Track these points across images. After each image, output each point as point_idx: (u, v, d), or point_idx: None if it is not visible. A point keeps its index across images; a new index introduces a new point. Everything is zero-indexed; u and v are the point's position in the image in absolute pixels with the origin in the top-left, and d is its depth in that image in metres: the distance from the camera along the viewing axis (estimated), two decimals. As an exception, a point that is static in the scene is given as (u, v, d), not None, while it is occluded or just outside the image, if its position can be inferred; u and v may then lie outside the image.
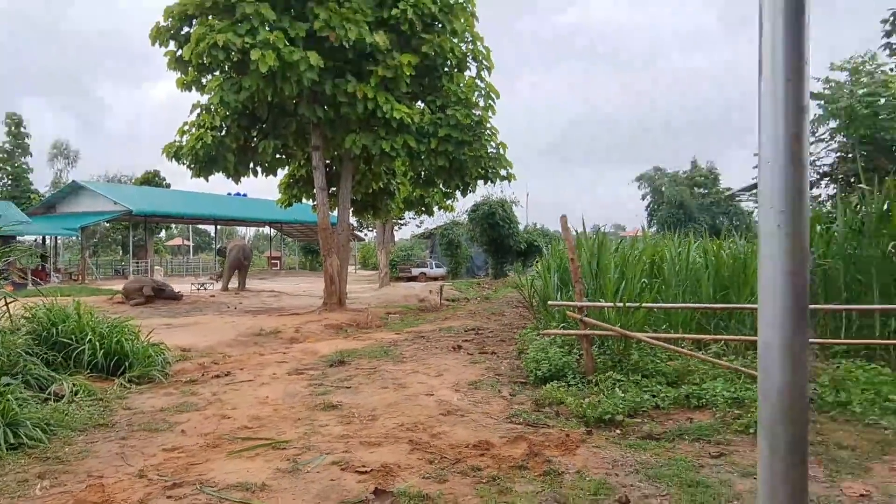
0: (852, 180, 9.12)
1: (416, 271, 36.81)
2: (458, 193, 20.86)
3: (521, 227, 33.38)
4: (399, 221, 39.68)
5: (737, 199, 39.51)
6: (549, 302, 7.88)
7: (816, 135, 10.19)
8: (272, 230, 51.24)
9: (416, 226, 46.22)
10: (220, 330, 12.53)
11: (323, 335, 12.47)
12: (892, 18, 10.49)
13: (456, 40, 15.45)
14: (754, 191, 36.84)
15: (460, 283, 28.22)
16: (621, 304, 7.17)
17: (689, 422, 5.58)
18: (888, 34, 10.56)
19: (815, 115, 9.46)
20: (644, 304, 7.06)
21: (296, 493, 3.98)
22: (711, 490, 3.99)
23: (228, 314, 16.02)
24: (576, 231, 7.96)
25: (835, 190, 10.23)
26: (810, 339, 6.61)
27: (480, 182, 18.04)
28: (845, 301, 7.27)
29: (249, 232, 65.18)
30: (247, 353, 10.18)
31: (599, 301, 7.76)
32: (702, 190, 46.79)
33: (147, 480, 4.23)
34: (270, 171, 17.38)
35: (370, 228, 41.83)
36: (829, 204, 9.92)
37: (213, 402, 6.46)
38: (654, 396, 6.15)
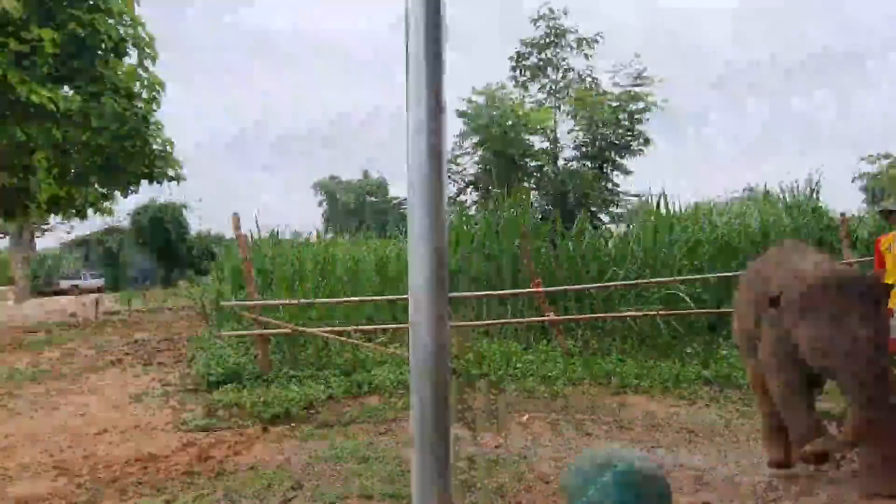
0: (490, 188, 10.84)
1: (65, 284, 31.67)
2: (117, 194, 18.65)
3: (193, 233, 31.26)
4: (42, 227, 33.68)
5: (403, 207, 43.39)
6: (223, 303, 7.60)
7: (462, 148, 11.83)
8: None
9: (66, 232, 39.83)
10: None
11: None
12: (516, 57, 12.75)
13: (112, 21, 13.78)
14: (418, 199, 40.93)
15: (123, 294, 25.20)
16: (295, 302, 7.29)
17: (360, 407, 5.96)
18: (513, 69, 12.81)
19: (461, 130, 11.03)
20: (316, 300, 7.30)
21: None
22: (381, 461, 4.34)
23: None
24: (250, 232, 7.84)
25: (477, 196, 11.98)
26: (460, 323, 7.64)
27: (145, 183, 16.39)
28: (486, 289, 8.58)
29: None
30: None
31: (273, 300, 7.78)
32: (373, 198, 49.91)
33: None
34: None
35: (1, 234, 34.61)
36: (472, 208, 11.57)
37: None
38: (327, 387, 6.40)
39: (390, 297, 8.14)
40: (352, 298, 8.04)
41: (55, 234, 38.18)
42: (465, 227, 9.23)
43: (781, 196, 9.75)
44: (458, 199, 12.01)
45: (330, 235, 35.32)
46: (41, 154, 14.86)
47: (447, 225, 2.67)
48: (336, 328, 7.40)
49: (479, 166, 11.48)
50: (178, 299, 21.88)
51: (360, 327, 7.59)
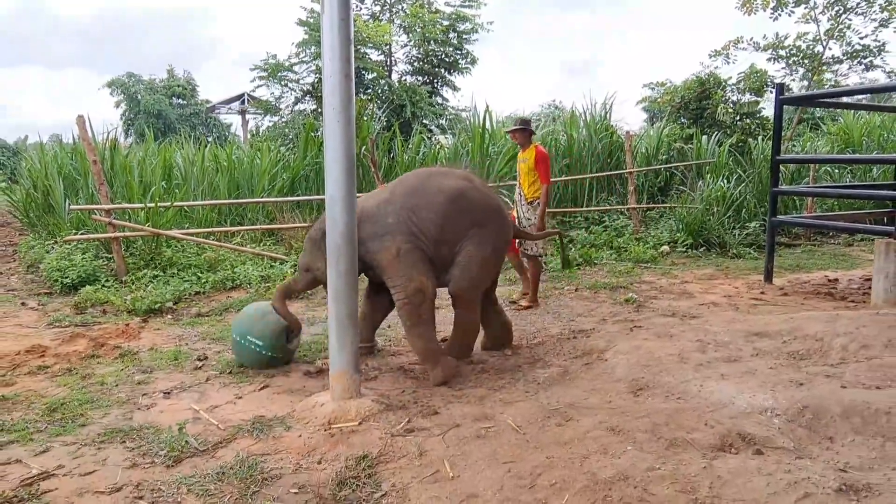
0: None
1: None
2: None
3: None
4: None
5: (216, 111, 40.76)
6: (73, 206, 7.40)
7: (300, 57, 11.93)
8: None
9: None
10: None
11: None
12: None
13: None
14: (233, 104, 38.42)
15: None
16: (152, 205, 7.40)
17: (229, 299, 6.50)
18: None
19: (302, 39, 11.11)
20: (176, 203, 7.47)
21: None
22: (267, 337, 5.05)
23: None
24: (92, 135, 7.59)
25: (314, 105, 12.27)
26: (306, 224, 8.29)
27: None
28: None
29: None
30: None
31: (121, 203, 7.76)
32: (180, 100, 46.09)
33: None
34: None
35: None
36: (311, 116, 11.90)
37: None
38: (192, 284, 6.81)
39: (256, 200, 8.52)
40: (218, 201, 8.29)
41: None
42: (311, 135, 9.66)
43: (582, 116, 11.43)
44: (295, 107, 12.21)
45: (130, 140, 32.54)
46: None
47: (353, 127, 3.47)
48: (196, 230, 7.67)
49: (317, 76, 11.73)
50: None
51: (223, 229, 7.93)
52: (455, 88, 12.69)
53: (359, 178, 9.40)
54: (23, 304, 6.33)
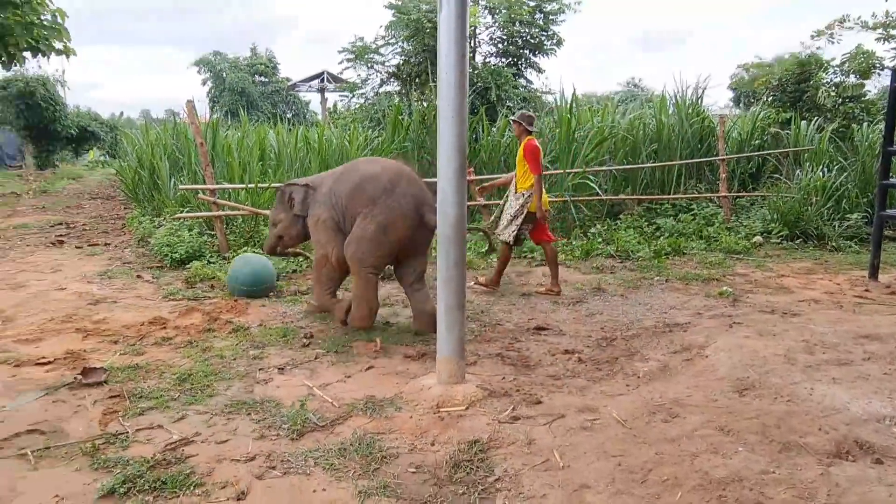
0: (415, 79, 11.34)
1: (-83, 163, 28.55)
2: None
3: (69, 111, 28.73)
4: None
5: (297, 88, 41.78)
6: (181, 186, 7.89)
7: (386, 39, 12.08)
8: None
9: None
10: None
11: None
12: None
13: None
14: (313, 82, 39.24)
15: (-3, 176, 23.29)
16: (252, 185, 7.77)
17: (324, 278, 6.77)
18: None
19: (390, 21, 11.24)
20: (274, 185, 7.81)
21: (-19, 393, 3.70)
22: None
23: None
24: (197, 117, 8.00)
25: (398, 87, 12.43)
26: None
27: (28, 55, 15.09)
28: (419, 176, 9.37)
29: None
30: None
31: (224, 183, 8.17)
32: (262, 78, 47.45)
33: None
34: None
35: None
36: (396, 97, 12.06)
37: None
38: (290, 262, 7.11)
39: None
40: None
41: None
42: (399, 118, 9.83)
43: (672, 99, 11.10)
44: (380, 89, 12.41)
45: (216, 116, 33.78)
46: None
47: (466, 124, 3.55)
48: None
49: (402, 58, 11.86)
50: (65, 182, 20.81)
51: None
52: (539, 70, 12.56)
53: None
54: (138, 276, 6.81)
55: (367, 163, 5.12)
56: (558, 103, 11.05)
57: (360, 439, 3.08)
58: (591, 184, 9.10)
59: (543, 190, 6.09)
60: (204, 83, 45.98)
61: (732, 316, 5.21)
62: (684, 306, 5.68)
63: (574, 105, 10.28)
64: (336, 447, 3.00)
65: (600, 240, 8.35)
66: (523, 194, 6.11)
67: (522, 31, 11.95)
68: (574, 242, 8.24)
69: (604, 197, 9.29)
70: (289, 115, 42.52)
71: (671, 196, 9.87)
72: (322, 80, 37.49)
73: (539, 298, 6.04)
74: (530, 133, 6.17)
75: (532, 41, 12.10)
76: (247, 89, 45.47)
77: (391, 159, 5.55)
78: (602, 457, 2.88)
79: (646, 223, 9.17)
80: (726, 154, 9.88)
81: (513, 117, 6.44)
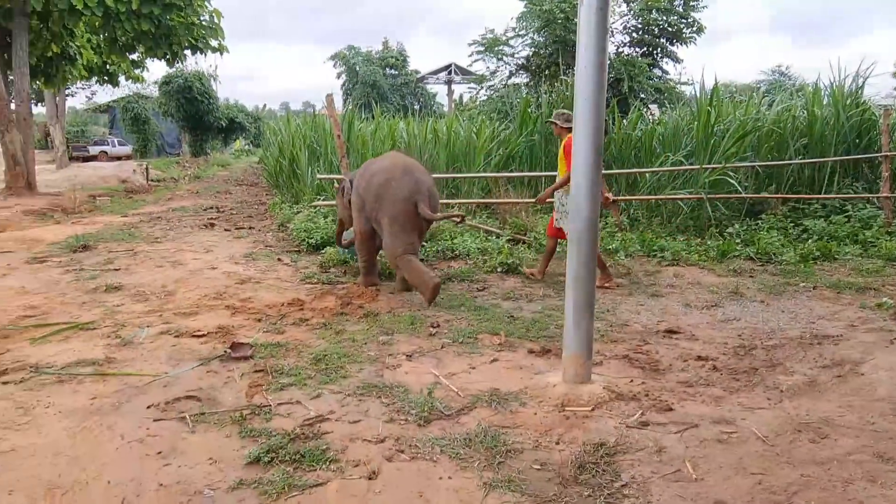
0: (546, 72, 11.22)
1: (94, 149, 32.35)
2: (148, 63, 19.05)
3: (219, 103, 31.35)
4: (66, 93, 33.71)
5: (425, 81, 42.69)
6: (319, 175, 8.36)
7: (516, 31, 12.04)
8: None
9: (87, 97, 39.82)
10: None
11: (26, 223, 10.91)
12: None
13: None
14: (440, 74, 39.86)
15: (160, 163, 25.94)
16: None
17: (450, 268, 6.91)
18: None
19: (521, 13, 11.20)
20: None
21: (148, 359, 4.13)
22: (490, 311, 5.31)
23: None
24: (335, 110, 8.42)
25: (527, 79, 12.34)
26: (526, 200, 8.43)
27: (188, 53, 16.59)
28: (546, 170, 9.29)
29: None
30: (-63, 246, 8.57)
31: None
32: (393, 71, 48.88)
33: (-47, 375, 3.90)
34: None
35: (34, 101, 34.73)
36: (524, 89, 11.98)
37: (-43, 298, 5.68)
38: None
39: (509, 174, 8.89)
40: (446, 174, 8.80)
41: (74, 100, 38.18)
42: (528, 111, 9.77)
43: (827, 88, 10.14)
44: (509, 81, 12.39)
45: (348, 108, 35.24)
46: (85, 21, 15.05)
47: (603, 120, 3.45)
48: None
49: (532, 49, 11.75)
50: (215, 168, 22.69)
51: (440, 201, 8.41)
52: (677, 60, 11.97)
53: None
54: (279, 259, 7.30)
55: (381, 159, 6.19)
56: (696, 94, 10.47)
57: (485, 431, 3.11)
58: (731, 180, 8.55)
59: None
60: (338, 76, 48.11)
61: (894, 331, 4.71)
62: (835, 317, 5.20)
63: (714, 96, 9.70)
64: (462, 437, 3.06)
65: (738, 241, 7.84)
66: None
67: (660, 18, 11.44)
68: (709, 242, 7.80)
69: (745, 195, 8.71)
70: (416, 107, 43.60)
71: (822, 196, 9.06)
72: (449, 73, 38.02)
73: (669, 300, 5.79)
74: (569, 130, 5.91)
75: (670, 29, 11.56)
76: (378, 82, 47.02)
77: (398, 152, 6.63)
78: (740, 473, 2.72)
79: (791, 224, 8.49)
80: (890, 150, 8.90)
81: (550, 119, 6.65)
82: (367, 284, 6.01)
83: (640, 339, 4.65)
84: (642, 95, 10.78)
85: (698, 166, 8.69)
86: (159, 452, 2.91)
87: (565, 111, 6.29)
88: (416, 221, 5.58)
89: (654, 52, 11.78)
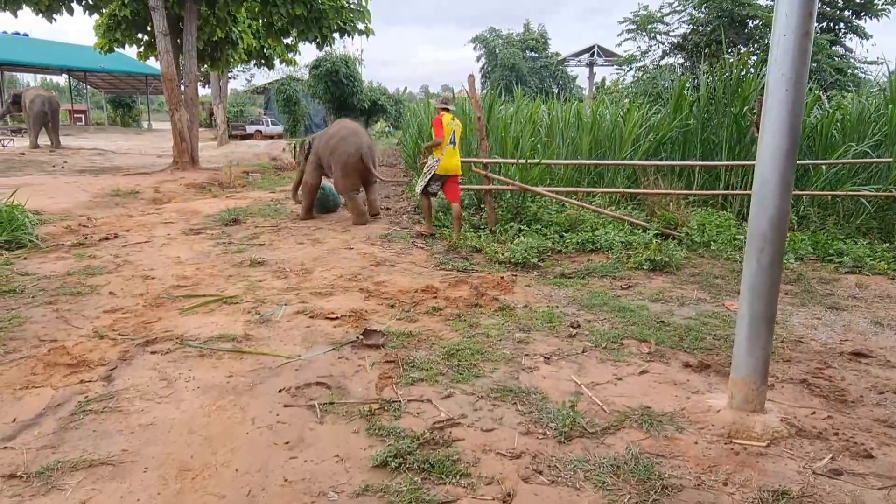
0: (705, 51, 10.23)
1: (250, 128, 34.76)
2: (300, 47, 19.78)
3: (364, 86, 32.38)
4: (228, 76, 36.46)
5: (566, 63, 41.46)
6: (462, 159, 8.18)
7: (672, 6, 11.09)
8: (67, 79, 44.20)
9: (246, 80, 42.85)
10: (66, 191, 11.23)
11: (188, 195, 11.75)
12: None
13: None
14: (582, 56, 38.50)
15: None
16: (522, 161, 7.71)
17: (590, 262, 6.44)
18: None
19: (681, -13, 10.30)
20: (543, 161, 7.66)
21: (283, 339, 4.12)
22: (636, 313, 4.82)
23: (60, 174, 14.26)
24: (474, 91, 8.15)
25: (683, 59, 11.36)
26: (677, 191, 7.72)
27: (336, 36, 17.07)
28: (701, 158, 8.47)
29: (31, 81, 55.63)
30: (112, 214, 9.40)
31: (496, 158, 8.25)
32: (533, 53, 48.02)
33: (111, 340, 4.10)
34: (95, 8, 14.92)
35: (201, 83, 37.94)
36: (678, 70, 11.05)
37: (123, 265, 6.10)
38: (554, 243, 6.93)
39: (630, 162, 8.33)
40: (583, 161, 8.34)
41: (235, 82, 41.20)
42: (683, 93, 8.94)
43: None
44: (661, 61, 11.49)
45: (485, 91, 35.00)
46: (246, 7, 15.92)
47: (804, 100, 2.84)
48: (558, 188, 7.80)
49: (690, 27, 10.77)
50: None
51: (583, 189, 7.94)
52: (864, 36, 10.44)
53: (728, 139, 8.43)
54: (413, 242, 7.20)
55: (335, 126, 8.51)
56: (889, 75, 9.06)
57: (636, 458, 2.71)
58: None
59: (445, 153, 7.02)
60: (478, 59, 48.03)
61: None
62: None
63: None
64: (608, 462, 2.69)
65: (938, 248, 6.65)
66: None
67: (846, -12, 10.01)
68: (899, 248, 6.69)
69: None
70: (555, 90, 42.49)
71: None
72: (592, 55, 36.64)
73: (853, 315, 4.96)
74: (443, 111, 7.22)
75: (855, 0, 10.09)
76: (517, 65, 46.43)
77: (348, 120, 8.82)
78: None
79: None
80: None
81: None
82: (305, 218, 8.48)
83: (820, 361, 3.97)
84: (818, 76, 9.50)
85: (889, 159, 7.49)
86: (287, 442, 2.81)
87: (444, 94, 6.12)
88: (360, 168, 8.05)
89: (836, 26, 10.35)
